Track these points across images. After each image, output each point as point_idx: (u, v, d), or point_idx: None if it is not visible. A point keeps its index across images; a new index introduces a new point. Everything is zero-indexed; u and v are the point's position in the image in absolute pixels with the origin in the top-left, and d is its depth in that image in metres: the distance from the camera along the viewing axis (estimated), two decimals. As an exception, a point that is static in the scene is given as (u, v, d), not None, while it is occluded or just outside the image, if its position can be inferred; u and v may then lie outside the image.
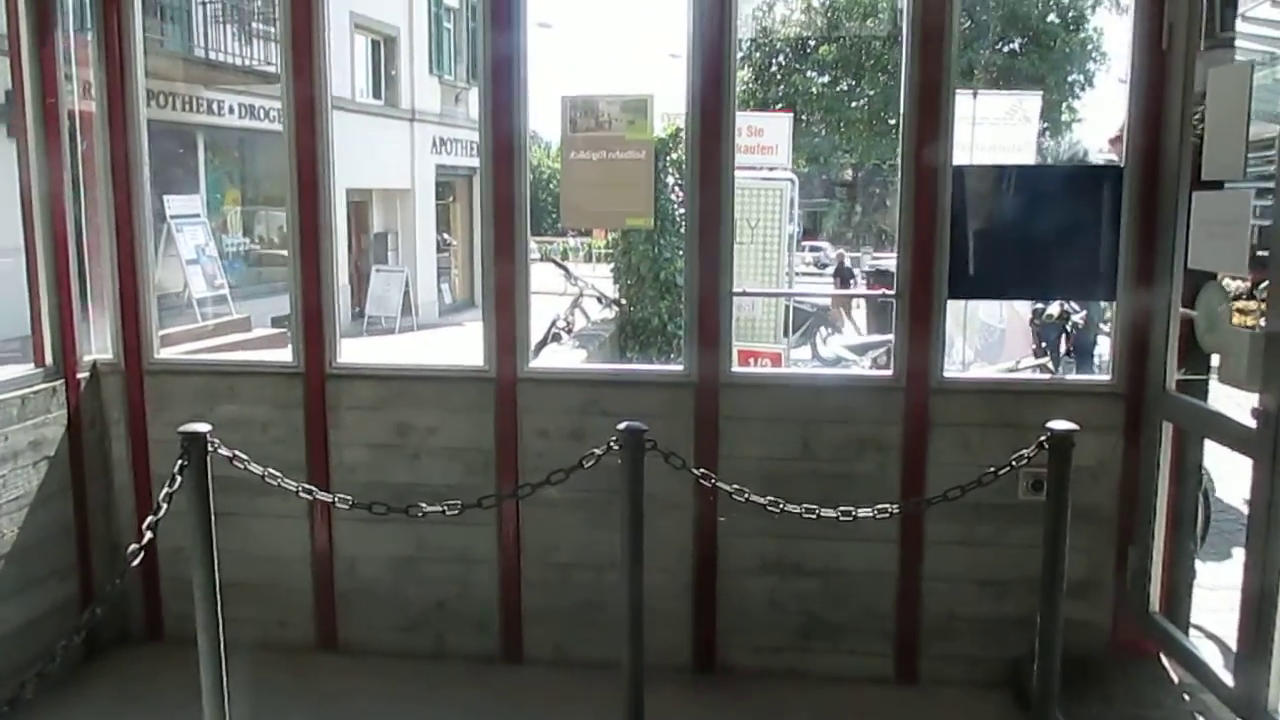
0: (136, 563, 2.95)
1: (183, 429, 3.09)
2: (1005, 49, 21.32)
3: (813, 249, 29.51)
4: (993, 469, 3.33)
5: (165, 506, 2.98)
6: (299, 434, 4.32)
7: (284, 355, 4.40)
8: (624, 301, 10.37)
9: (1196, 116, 3.61)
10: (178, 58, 15.88)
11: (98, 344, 4.42)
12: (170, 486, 3.00)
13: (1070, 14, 22.06)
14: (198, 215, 15.82)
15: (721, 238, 4.05)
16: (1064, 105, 22.54)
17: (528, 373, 4.23)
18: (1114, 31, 25.46)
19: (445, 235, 25.60)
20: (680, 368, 4.24)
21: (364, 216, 22.66)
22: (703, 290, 4.09)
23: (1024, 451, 3.25)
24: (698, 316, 4.12)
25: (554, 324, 10.17)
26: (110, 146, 4.24)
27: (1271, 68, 4.67)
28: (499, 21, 4.04)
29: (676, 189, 9.64)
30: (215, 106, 16.78)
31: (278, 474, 3.33)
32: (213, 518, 3.13)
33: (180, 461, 3.03)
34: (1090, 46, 22.02)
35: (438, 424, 4.28)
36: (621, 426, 3.25)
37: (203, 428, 3.11)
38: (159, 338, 4.44)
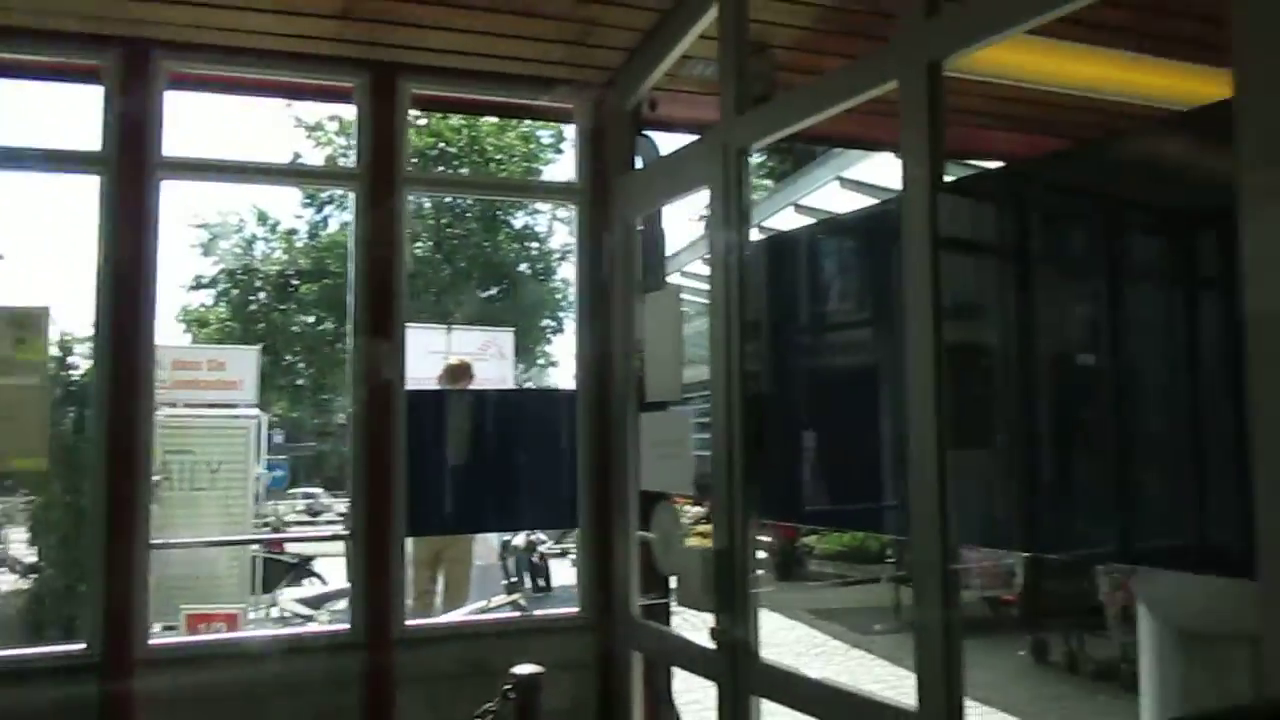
0: None
1: None
2: (484, 294, 22.70)
3: (306, 495, 27.88)
4: (455, 733, 2.90)
5: None
6: None
7: None
8: (44, 565, 8.52)
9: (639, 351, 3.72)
10: None
11: None
12: None
13: (539, 265, 24.13)
14: None
15: (136, 474, 3.34)
16: (538, 348, 24.29)
17: None
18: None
19: None
20: (81, 645, 3.36)
21: None
22: (112, 542, 3.32)
23: (488, 705, 2.87)
24: (104, 576, 3.32)
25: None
26: None
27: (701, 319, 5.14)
28: None
29: None
30: None
31: None
32: None
33: None
34: (559, 295, 24.15)
35: None
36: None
37: None
38: None
